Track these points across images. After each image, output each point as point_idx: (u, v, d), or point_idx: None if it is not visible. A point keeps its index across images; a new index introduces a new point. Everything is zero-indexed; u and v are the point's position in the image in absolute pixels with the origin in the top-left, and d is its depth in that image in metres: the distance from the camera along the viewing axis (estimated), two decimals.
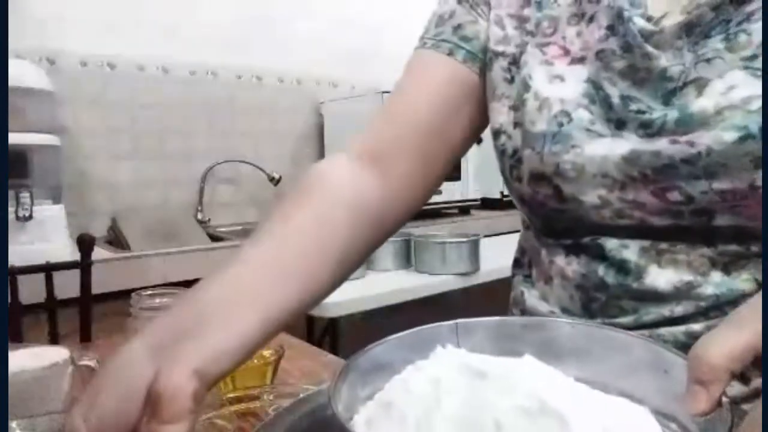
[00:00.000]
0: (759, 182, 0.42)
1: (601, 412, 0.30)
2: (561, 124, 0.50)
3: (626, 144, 0.47)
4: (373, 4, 2.38)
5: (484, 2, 0.60)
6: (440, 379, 0.32)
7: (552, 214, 0.53)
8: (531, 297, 0.58)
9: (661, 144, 0.45)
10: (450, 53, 0.59)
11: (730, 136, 0.42)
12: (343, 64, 2.31)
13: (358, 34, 2.34)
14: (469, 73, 0.59)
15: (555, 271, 0.54)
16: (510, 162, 0.55)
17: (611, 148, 0.48)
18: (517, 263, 0.64)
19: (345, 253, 0.47)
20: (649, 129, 0.46)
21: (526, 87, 0.53)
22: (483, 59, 0.59)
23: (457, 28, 0.59)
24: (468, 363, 0.33)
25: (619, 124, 0.48)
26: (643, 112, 0.47)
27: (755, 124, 0.42)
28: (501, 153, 0.57)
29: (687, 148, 0.44)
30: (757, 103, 0.42)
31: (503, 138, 0.56)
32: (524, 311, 0.59)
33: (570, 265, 0.52)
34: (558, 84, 0.52)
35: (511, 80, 0.56)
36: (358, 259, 0.51)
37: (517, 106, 0.54)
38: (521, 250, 0.63)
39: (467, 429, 0.28)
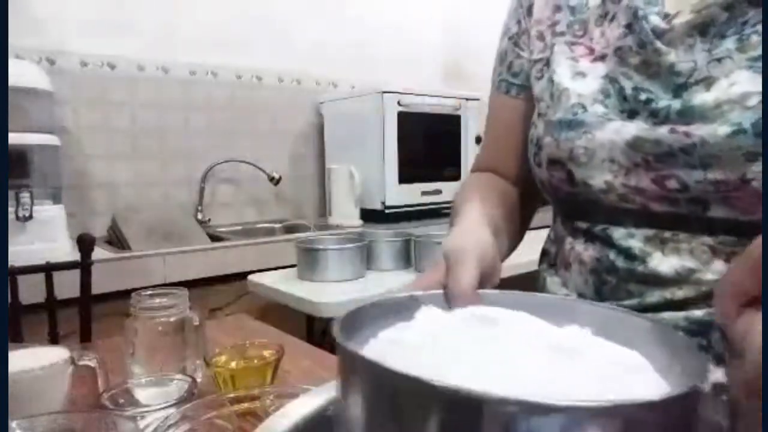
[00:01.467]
0: (750, 175, 0.44)
1: (611, 350, 0.30)
2: (576, 113, 0.54)
3: (633, 129, 0.50)
4: (373, 4, 2.38)
5: (524, 32, 0.65)
6: (442, 326, 0.32)
7: (565, 197, 0.58)
8: (553, 283, 0.62)
9: (662, 133, 0.48)
10: (507, 92, 0.68)
11: (724, 130, 0.44)
12: (343, 64, 2.31)
13: (358, 34, 2.34)
14: (524, 103, 0.66)
15: (574, 256, 0.58)
16: (533, 149, 0.60)
17: (619, 131, 0.51)
18: (544, 253, 0.68)
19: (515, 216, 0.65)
20: (656, 118, 0.49)
21: (551, 80, 0.58)
22: (531, 86, 0.65)
23: (509, 66, 0.68)
24: (472, 312, 0.33)
25: (631, 114, 0.51)
26: (651, 101, 0.50)
27: (749, 120, 0.43)
28: (529, 141, 0.62)
29: (684, 138, 0.47)
30: (755, 99, 0.44)
31: (532, 128, 0.62)
32: None
33: (587, 251, 0.56)
34: (579, 80, 0.56)
35: (541, 77, 0.62)
36: (518, 228, 0.67)
37: (541, 98, 0.60)
38: (549, 241, 0.67)
39: (490, 355, 0.28)
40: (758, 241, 0.26)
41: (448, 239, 0.45)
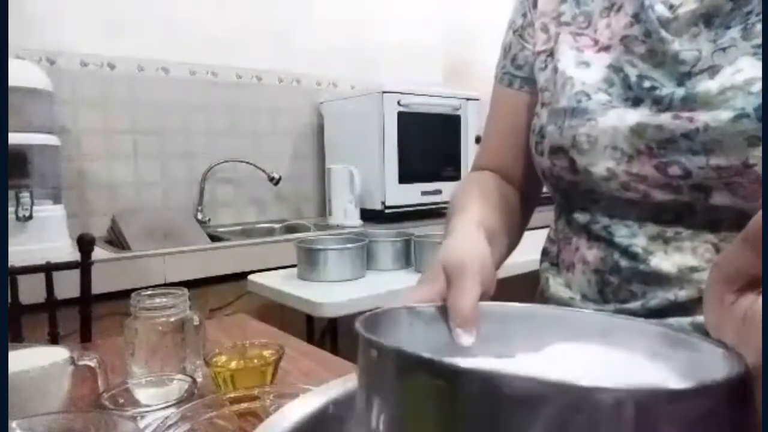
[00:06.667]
0: (752, 161, 0.45)
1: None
2: (580, 101, 0.55)
3: (636, 116, 0.50)
4: (373, 5, 2.38)
5: (529, 24, 0.65)
6: None
7: (567, 186, 0.58)
8: (555, 284, 0.62)
9: (665, 119, 0.48)
10: (510, 84, 0.68)
11: (727, 114, 0.45)
12: (343, 64, 2.31)
13: (358, 34, 2.34)
14: (527, 96, 0.66)
15: (578, 257, 0.58)
16: (536, 138, 0.61)
17: (622, 117, 0.51)
18: (544, 252, 0.68)
19: (512, 219, 0.64)
20: (659, 105, 0.50)
21: (555, 69, 0.59)
22: (535, 79, 0.65)
23: (513, 59, 0.68)
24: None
25: (635, 102, 0.52)
26: (655, 89, 0.50)
27: (752, 105, 0.44)
28: (531, 131, 0.63)
29: (687, 123, 0.47)
30: (758, 85, 0.44)
31: (534, 118, 0.62)
32: (546, 299, 0.62)
33: (591, 251, 0.56)
34: (583, 68, 0.56)
35: (545, 68, 0.62)
36: (518, 227, 0.67)
37: (546, 87, 0.60)
38: (549, 240, 0.67)
39: None
40: (756, 217, 0.23)
41: (447, 249, 0.44)
